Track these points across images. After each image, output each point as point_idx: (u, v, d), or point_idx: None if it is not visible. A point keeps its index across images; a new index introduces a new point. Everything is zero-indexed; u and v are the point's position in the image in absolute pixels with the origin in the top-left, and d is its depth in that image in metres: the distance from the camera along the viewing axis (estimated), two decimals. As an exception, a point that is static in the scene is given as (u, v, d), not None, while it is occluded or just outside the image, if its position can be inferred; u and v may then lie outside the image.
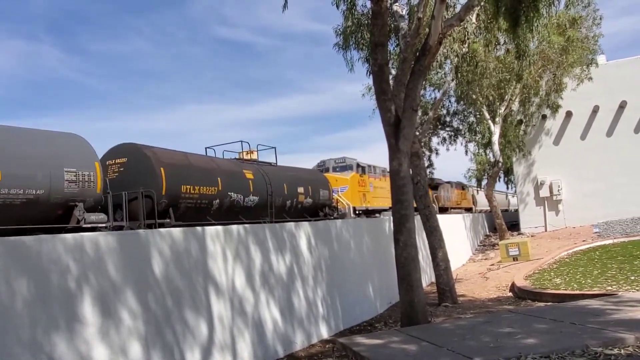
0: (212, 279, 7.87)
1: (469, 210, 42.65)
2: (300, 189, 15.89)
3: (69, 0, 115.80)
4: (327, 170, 23.23)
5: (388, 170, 25.84)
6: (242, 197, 12.71)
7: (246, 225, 10.28)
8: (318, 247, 11.09)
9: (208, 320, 7.56)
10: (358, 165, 23.60)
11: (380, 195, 25.14)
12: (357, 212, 22.01)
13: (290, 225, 10.66)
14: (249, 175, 13.47)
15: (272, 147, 16.95)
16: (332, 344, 9.44)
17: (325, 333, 10.55)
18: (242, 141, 15.51)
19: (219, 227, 8.47)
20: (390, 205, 23.18)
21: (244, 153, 15.70)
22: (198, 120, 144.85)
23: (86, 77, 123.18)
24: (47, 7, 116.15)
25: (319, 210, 17.18)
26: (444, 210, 34.42)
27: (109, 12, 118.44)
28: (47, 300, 5.41)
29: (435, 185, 34.17)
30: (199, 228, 8.07)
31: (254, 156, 16.06)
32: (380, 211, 25.02)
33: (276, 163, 16.34)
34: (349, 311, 11.69)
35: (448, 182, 38.18)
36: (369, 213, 23.82)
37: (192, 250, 7.57)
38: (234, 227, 8.87)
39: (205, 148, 14.64)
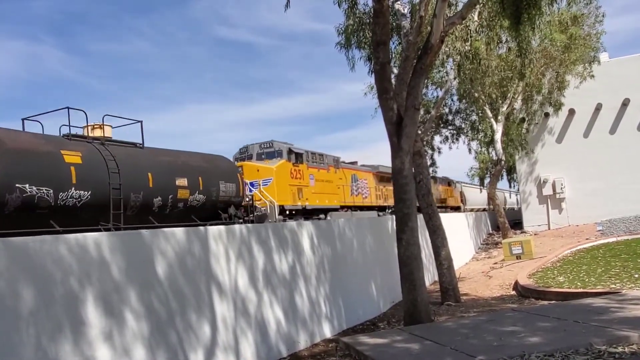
0: (215, 279, 7.86)
1: (456, 209, 38.65)
2: (182, 181, 11.90)
3: (69, 1, 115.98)
4: (250, 157, 19.11)
5: (343, 160, 23.03)
6: (52, 191, 8.85)
7: (249, 224, 10.26)
8: (321, 246, 11.08)
9: (211, 320, 7.56)
10: (290, 151, 19.04)
11: (328, 190, 20.85)
12: (288, 212, 17.75)
13: (293, 224, 10.65)
14: (72, 159, 9.46)
15: (137, 122, 12.07)
16: (335, 344, 9.42)
17: (328, 332, 10.55)
18: (69, 108, 10.38)
19: (221, 227, 8.46)
20: (343, 204, 20.94)
21: (89, 128, 11.24)
22: (199, 121, 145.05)
23: (87, 78, 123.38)
24: (48, 8, 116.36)
25: (219, 211, 13.35)
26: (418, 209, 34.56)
27: (109, 13, 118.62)
28: (49, 301, 5.41)
29: None
30: (201, 228, 8.04)
31: (108, 133, 11.68)
32: (327, 211, 20.53)
33: (142, 144, 11.91)
34: (352, 310, 11.68)
35: (431, 177, 37.54)
36: (308, 214, 19.13)
37: (194, 250, 7.56)
38: (237, 226, 8.85)
39: (22, 119, 10.58)
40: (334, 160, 22.29)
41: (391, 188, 26.24)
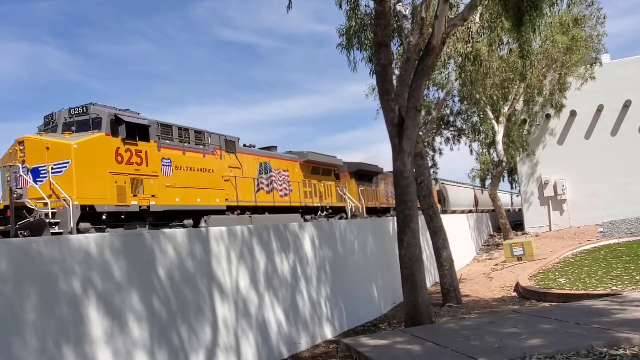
0: (216, 280, 7.87)
1: None
2: None
3: (73, 3, 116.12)
4: (54, 129, 13.13)
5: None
6: None
7: (250, 225, 10.28)
8: (322, 248, 11.08)
9: (212, 321, 7.56)
10: (117, 120, 12.88)
11: (204, 183, 14.87)
12: (105, 216, 12.11)
13: (294, 225, 10.65)
14: None
15: None
16: (336, 345, 9.43)
17: (329, 334, 10.54)
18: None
19: (223, 228, 8.47)
20: (239, 204, 16.46)
21: None
22: (201, 122, 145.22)
23: (90, 79, 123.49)
24: (51, 10, 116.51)
25: None
26: (383, 211, 28.61)
27: (112, 15, 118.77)
28: (51, 303, 5.41)
29: (367, 174, 27.92)
30: (202, 229, 8.07)
31: None
32: (199, 214, 14.71)
33: None
34: (353, 312, 11.67)
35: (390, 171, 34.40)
36: (159, 218, 13.51)
37: (196, 251, 7.57)
38: (238, 227, 8.86)
39: None
40: (225, 141, 16.58)
41: (330, 182, 23.59)
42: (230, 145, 17.27)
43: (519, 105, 29.67)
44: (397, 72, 13.32)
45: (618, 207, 29.83)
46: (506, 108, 28.19)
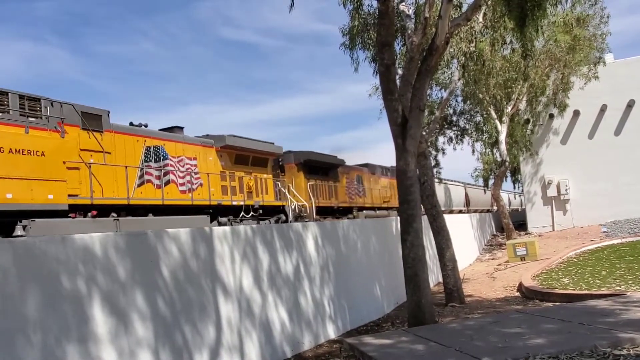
0: (220, 279, 7.88)
1: None
2: None
3: (75, 3, 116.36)
4: None
5: (90, 113, 11.88)
6: None
7: (253, 225, 10.30)
8: (325, 247, 11.09)
9: (216, 321, 7.57)
10: None
11: (13, 171, 10.01)
12: None
13: (298, 225, 10.67)
14: None
15: None
16: (339, 344, 9.43)
17: (332, 333, 10.55)
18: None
19: (227, 228, 8.49)
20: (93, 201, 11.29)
21: None
22: (203, 122, 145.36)
23: (92, 79, 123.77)
24: (53, 9, 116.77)
25: None
26: (344, 212, 23.86)
27: (115, 15, 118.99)
28: (55, 303, 5.43)
29: (321, 166, 22.87)
30: (206, 228, 8.09)
31: None
32: (15, 215, 9.97)
33: None
34: (356, 311, 11.68)
35: (364, 165, 26.98)
36: None
37: (199, 251, 7.59)
38: (242, 227, 8.88)
39: None
40: (82, 114, 12.23)
41: (264, 175, 18.53)
42: (92, 120, 12.42)
43: (522, 105, 29.63)
44: (400, 72, 13.32)
45: (622, 207, 29.76)
46: (509, 108, 28.15)
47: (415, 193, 9.45)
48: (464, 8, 13.39)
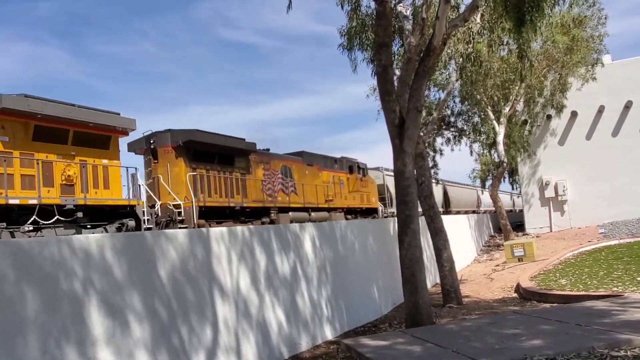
0: (217, 280, 7.87)
1: (367, 213, 24.54)
2: None
3: (74, 3, 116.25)
4: None
5: None
6: None
7: (250, 226, 10.29)
8: (322, 248, 11.08)
9: (213, 322, 7.56)
10: None
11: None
12: None
13: (295, 226, 10.66)
14: None
15: None
16: (336, 345, 9.43)
17: (329, 334, 10.54)
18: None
19: (224, 229, 8.48)
20: None
21: None
22: (203, 122, 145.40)
23: (92, 79, 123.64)
24: (52, 10, 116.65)
25: None
26: (257, 213, 17.90)
27: (114, 15, 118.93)
28: (51, 304, 5.41)
29: (216, 152, 17.01)
30: (203, 229, 8.08)
31: None
32: None
33: None
34: (353, 312, 11.67)
35: (297, 154, 21.43)
36: None
37: (197, 252, 7.57)
38: (239, 228, 8.87)
39: None
40: None
41: (102, 162, 12.68)
42: None
43: (520, 106, 29.66)
44: (398, 72, 13.33)
45: (619, 208, 29.79)
46: (507, 109, 28.17)
47: (412, 194, 9.45)
48: (462, 9, 13.40)
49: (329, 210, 21.56)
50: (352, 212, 23.26)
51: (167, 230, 7.36)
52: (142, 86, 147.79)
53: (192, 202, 15.10)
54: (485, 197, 48.18)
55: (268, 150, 19.78)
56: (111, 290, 6.10)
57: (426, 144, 22.18)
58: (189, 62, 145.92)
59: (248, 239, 8.78)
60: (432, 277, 17.18)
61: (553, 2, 11.31)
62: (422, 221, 12.05)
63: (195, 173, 15.97)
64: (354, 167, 24.40)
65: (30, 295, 5.22)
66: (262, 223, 17.00)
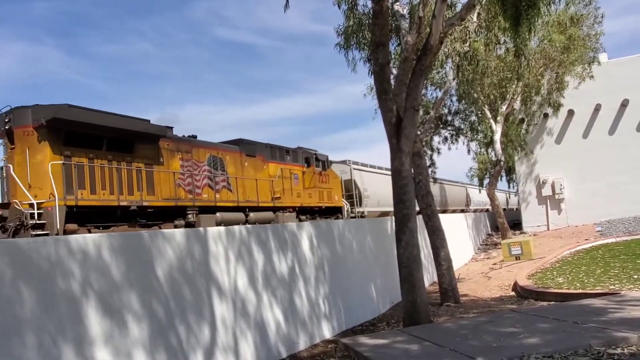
0: (215, 280, 7.86)
1: (328, 212, 20.94)
2: None
3: (71, 3, 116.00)
4: None
5: None
6: None
7: (248, 225, 10.29)
8: (320, 247, 11.08)
9: (211, 321, 7.55)
10: None
11: None
12: None
13: (292, 225, 10.66)
14: None
15: None
16: (334, 344, 9.43)
17: (327, 333, 10.54)
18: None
19: (221, 228, 8.48)
20: None
21: None
22: (200, 122, 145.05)
23: (88, 79, 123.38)
24: (49, 9, 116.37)
25: None
26: (172, 214, 14.45)
27: (111, 15, 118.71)
28: (49, 303, 5.41)
29: (105, 134, 13.01)
30: (201, 229, 8.07)
31: None
32: None
33: None
34: (351, 311, 11.68)
35: (234, 143, 17.79)
36: None
37: (194, 251, 7.56)
38: (236, 227, 8.87)
39: None
40: None
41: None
42: None
43: (517, 105, 29.67)
44: (395, 71, 13.33)
45: (616, 206, 29.84)
46: (504, 107, 28.20)
47: (410, 193, 9.45)
48: (459, 8, 13.41)
49: (275, 209, 18.00)
50: (308, 212, 19.84)
51: (165, 230, 7.35)
52: (139, 86, 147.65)
53: (55, 200, 11.41)
54: (475, 195, 45.99)
55: (194, 137, 16.30)
56: (109, 290, 6.09)
57: (423, 143, 22.20)
58: (186, 62, 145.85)
59: (246, 238, 8.78)
60: (429, 276, 17.20)
61: (549, 0, 11.32)
62: (419, 220, 12.06)
63: (64, 162, 12.09)
64: (311, 159, 20.73)
65: (27, 294, 5.21)
66: (176, 227, 13.69)
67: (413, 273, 9.13)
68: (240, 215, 16.42)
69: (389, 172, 25.88)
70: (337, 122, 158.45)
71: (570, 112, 32.73)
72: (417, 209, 11.90)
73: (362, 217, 22.22)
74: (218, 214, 15.49)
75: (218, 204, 15.95)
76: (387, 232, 14.95)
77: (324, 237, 11.38)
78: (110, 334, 5.94)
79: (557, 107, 30.02)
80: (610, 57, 33.26)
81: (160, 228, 13.04)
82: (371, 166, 26.78)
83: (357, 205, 23.23)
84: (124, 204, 13.07)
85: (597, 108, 32.47)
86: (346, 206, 22.54)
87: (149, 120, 14.27)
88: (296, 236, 10.34)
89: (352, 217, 21.65)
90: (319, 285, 10.74)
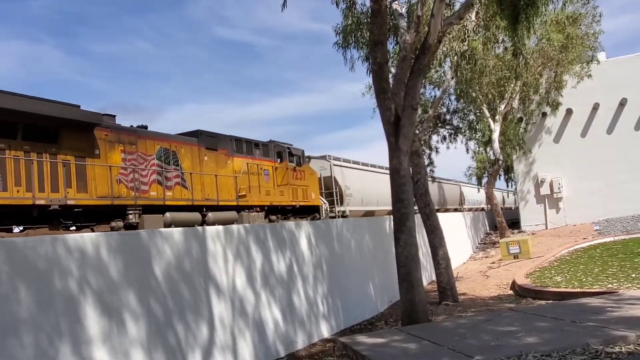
0: (213, 279, 7.86)
1: (303, 212, 18.68)
2: None
3: (70, 2, 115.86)
4: None
5: None
6: None
7: (246, 224, 10.29)
8: (319, 246, 11.08)
9: (209, 320, 7.55)
10: None
11: None
12: None
13: (291, 224, 10.66)
14: None
15: None
16: (333, 343, 9.43)
17: (326, 332, 10.55)
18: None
19: (219, 227, 8.47)
20: None
21: None
22: (198, 121, 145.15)
23: (87, 78, 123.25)
24: (47, 8, 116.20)
25: None
26: (108, 214, 12.55)
27: (109, 14, 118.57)
28: (47, 303, 5.40)
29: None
30: (199, 228, 8.06)
31: None
32: None
33: None
34: (349, 310, 11.68)
35: (191, 135, 15.55)
36: None
37: (192, 251, 7.56)
38: (234, 226, 8.87)
39: None
40: None
41: None
42: None
43: (515, 104, 29.69)
44: (393, 70, 13.32)
45: (614, 205, 29.88)
46: (502, 106, 28.21)
47: (408, 192, 9.45)
48: (457, 7, 13.40)
49: (239, 209, 15.75)
50: (279, 211, 17.66)
51: (163, 229, 7.35)
52: (137, 85, 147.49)
53: None
54: (470, 194, 43.84)
55: (144, 127, 14.52)
56: (107, 289, 6.09)
57: (422, 142, 22.17)
58: (184, 61, 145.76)
59: (244, 237, 8.77)
60: (428, 275, 17.21)
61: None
62: (417, 219, 12.06)
63: None
64: (284, 154, 18.60)
65: (24, 293, 5.20)
66: (112, 229, 11.98)
67: (411, 272, 9.13)
68: (195, 216, 14.36)
69: (375, 169, 23.47)
70: (335, 121, 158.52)
71: (569, 111, 32.74)
72: (415, 207, 11.91)
73: (343, 216, 20.28)
74: (168, 214, 13.46)
75: (168, 203, 13.81)
76: (385, 231, 14.96)
77: (323, 236, 11.38)
78: (108, 333, 5.93)
79: (555, 106, 30.04)
80: (609, 56, 33.29)
81: (92, 230, 11.51)
82: (354, 162, 24.83)
83: (337, 204, 21.08)
84: (41, 202, 11.00)
85: (596, 107, 32.49)
86: (325, 205, 20.51)
87: (79, 106, 12.34)
88: (294, 235, 10.34)
89: (332, 217, 19.82)
90: (318, 284, 10.74)
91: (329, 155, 22.48)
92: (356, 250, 12.91)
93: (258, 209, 16.57)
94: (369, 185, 24.01)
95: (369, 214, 22.29)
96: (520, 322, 7.61)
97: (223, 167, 15.91)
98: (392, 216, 9.73)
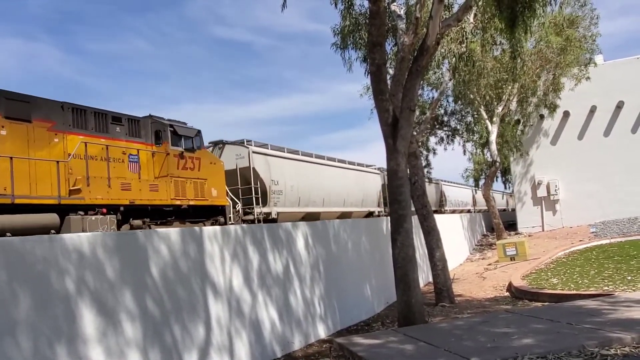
0: (210, 279, 7.86)
1: (200, 214, 14.19)
2: None
3: (67, 1, 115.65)
4: None
5: None
6: None
7: (244, 225, 10.28)
8: (315, 247, 11.08)
9: (205, 321, 7.55)
10: None
11: None
12: None
13: (288, 224, 10.66)
14: None
15: None
16: (329, 344, 9.43)
17: (322, 333, 10.55)
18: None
19: (217, 227, 8.47)
20: None
21: None
22: (196, 120, 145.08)
23: (84, 77, 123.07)
24: (45, 7, 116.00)
25: None
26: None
27: (107, 13, 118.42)
28: (42, 304, 5.39)
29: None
30: (196, 228, 8.06)
31: None
32: None
33: None
34: (346, 311, 11.68)
35: (23, 100, 10.48)
36: None
37: (189, 251, 7.55)
38: (232, 227, 8.87)
39: None
40: None
41: None
42: None
43: (513, 106, 29.74)
44: (391, 72, 13.34)
45: (610, 207, 29.96)
46: (500, 108, 28.26)
47: (405, 193, 9.46)
48: (455, 9, 13.42)
49: (67, 209, 10.95)
50: (151, 214, 12.89)
51: (160, 230, 7.35)
52: (134, 84, 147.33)
53: None
54: (454, 194, 39.35)
55: None
56: (103, 289, 6.08)
57: (419, 143, 22.16)
58: (182, 60, 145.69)
59: (241, 238, 8.78)
60: (424, 276, 17.23)
61: (545, 1, 11.34)
62: (414, 220, 12.07)
63: None
64: (164, 134, 13.66)
65: (21, 294, 5.19)
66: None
67: (408, 273, 9.14)
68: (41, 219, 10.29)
69: (323, 161, 19.13)
70: (332, 121, 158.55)
71: (566, 114, 32.82)
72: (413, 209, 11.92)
73: (269, 220, 16.12)
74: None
75: None
76: (382, 232, 14.97)
77: (319, 236, 11.38)
78: (104, 333, 5.93)
79: (553, 108, 30.10)
80: (607, 58, 33.41)
81: None
82: (289, 150, 19.64)
83: (259, 204, 16.40)
84: None
85: (593, 110, 32.58)
86: (238, 205, 15.85)
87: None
88: (291, 235, 10.34)
89: (249, 221, 15.60)
90: (314, 284, 10.74)
91: (248, 140, 17.56)
92: (353, 251, 12.92)
93: (103, 211, 11.72)
94: (310, 182, 19.11)
95: (311, 216, 18.26)
96: (516, 323, 7.63)
97: (43, 148, 10.99)
98: (389, 217, 9.74)
